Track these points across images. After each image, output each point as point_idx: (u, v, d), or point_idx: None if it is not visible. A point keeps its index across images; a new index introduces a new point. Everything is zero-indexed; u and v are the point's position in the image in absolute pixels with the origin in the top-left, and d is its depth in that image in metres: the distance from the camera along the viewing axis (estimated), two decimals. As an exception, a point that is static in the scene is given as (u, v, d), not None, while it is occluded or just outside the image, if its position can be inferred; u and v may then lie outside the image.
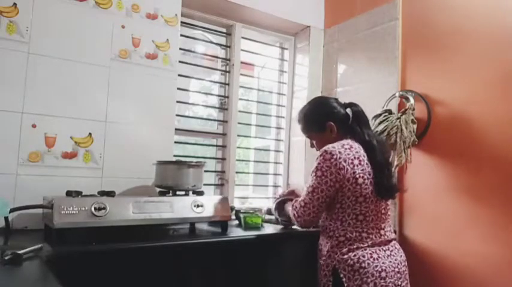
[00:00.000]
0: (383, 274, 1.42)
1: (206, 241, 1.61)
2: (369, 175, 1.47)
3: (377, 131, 2.01)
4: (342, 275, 1.43)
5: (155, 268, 1.43)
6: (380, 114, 2.07)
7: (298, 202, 1.55)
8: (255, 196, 2.64)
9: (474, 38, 1.81)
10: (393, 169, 1.60)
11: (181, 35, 2.17)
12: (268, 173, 2.69)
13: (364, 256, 1.43)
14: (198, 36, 2.47)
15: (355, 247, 1.45)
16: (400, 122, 1.95)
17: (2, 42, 1.64)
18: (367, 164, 1.49)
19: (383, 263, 1.44)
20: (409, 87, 2.07)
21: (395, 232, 1.71)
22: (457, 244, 1.81)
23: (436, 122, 1.93)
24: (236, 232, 1.75)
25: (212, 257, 1.58)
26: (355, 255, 1.44)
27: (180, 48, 2.18)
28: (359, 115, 1.62)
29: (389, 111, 2.06)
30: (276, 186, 2.67)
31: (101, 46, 1.87)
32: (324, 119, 1.61)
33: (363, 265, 1.41)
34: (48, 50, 1.74)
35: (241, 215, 1.92)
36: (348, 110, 1.63)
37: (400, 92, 2.07)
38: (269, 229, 1.87)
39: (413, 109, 1.98)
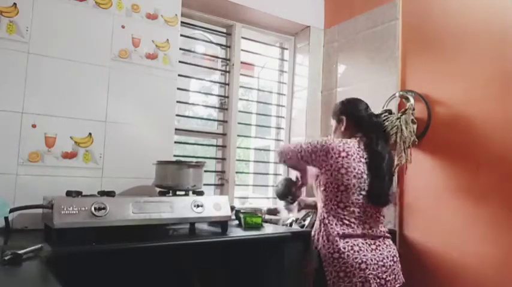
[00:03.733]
0: (363, 266, 1.49)
1: (206, 241, 1.60)
2: (354, 169, 1.58)
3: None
4: (323, 260, 1.56)
5: (155, 268, 1.43)
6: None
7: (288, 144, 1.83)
8: (255, 196, 2.64)
9: (474, 38, 1.81)
10: (393, 181, 1.74)
11: (181, 35, 2.17)
12: (268, 173, 2.69)
13: (344, 248, 1.52)
14: (198, 36, 2.47)
15: (335, 233, 1.54)
16: (400, 122, 1.95)
17: (2, 42, 1.64)
18: (354, 160, 1.59)
19: (364, 255, 1.51)
20: (409, 87, 2.07)
21: (391, 233, 1.72)
22: (457, 244, 1.80)
23: (436, 122, 1.93)
24: (236, 232, 1.75)
25: (212, 257, 1.58)
26: (336, 245, 1.53)
27: (180, 48, 2.18)
28: (377, 126, 1.75)
29: (390, 111, 2.06)
30: (276, 186, 2.66)
31: (101, 46, 1.87)
32: (342, 112, 1.79)
33: (342, 255, 1.51)
34: (48, 50, 1.74)
35: (241, 215, 1.91)
36: (371, 117, 1.76)
37: (400, 92, 2.07)
38: (269, 229, 1.87)
39: (413, 109, 1.98)
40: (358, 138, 1.69)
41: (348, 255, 1.50)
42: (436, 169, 1.91)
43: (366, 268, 1.48)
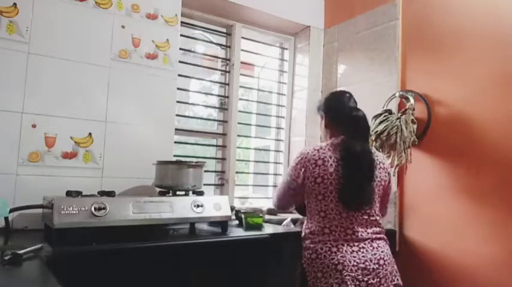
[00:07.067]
0: (339, 267, 1.46)
1: (206, 241, 1.61)
2: (331, 175, 1.53)
3: (377, 131, 2.01)
4: (303, 261, 1.57)
5: (155, 268, 1.43)
6: (380, 114, 2.07)
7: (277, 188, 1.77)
8: (255, 196, 2.64)
9: (474, 38, 1.81)
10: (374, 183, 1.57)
11: (181, 35, 2.17)
12: (268, 173, 2.69)
13: (322, 249, 1.51)
14: (198, 36, 2.47)
15: (317, 240, 1.54)
16: (400, 122, 1.95)
17: (2, 42, 1.64)
18: (331, 165, 1.54)
19: (341, 256, 1.47)
20: (409, 87, 2.07)
21: (391, 233, 1.71)
22: (457, 244, 1.81)
23: (436, 122, 1.93)
24: (236, 232, 1.75)
25: (212, 257, 1.58)
26: (314, 247, 1.53)
27: (180, 48, 2.18)
28: (356, 119, 1.61)
29: (390, 111, 2.06)
30: (276, 186, 2.66)
31: (100, 46, 1.87)
32: (321, 108, 1.75)
33: (320, 256, 1.51)
34: (48, 50, 1.74)
35: (242, 215, 1.91)
36: (351, 111, 1.63)
37: (400, 92, 2.07)
38: (269, 229, 1.87)
39: (413, 109, 1.98)
40: (333, 140, 1.62)
41: (324, 256, 1.49)
42: (436, 169, 1.91)
43: (343, 269, 1.45)
